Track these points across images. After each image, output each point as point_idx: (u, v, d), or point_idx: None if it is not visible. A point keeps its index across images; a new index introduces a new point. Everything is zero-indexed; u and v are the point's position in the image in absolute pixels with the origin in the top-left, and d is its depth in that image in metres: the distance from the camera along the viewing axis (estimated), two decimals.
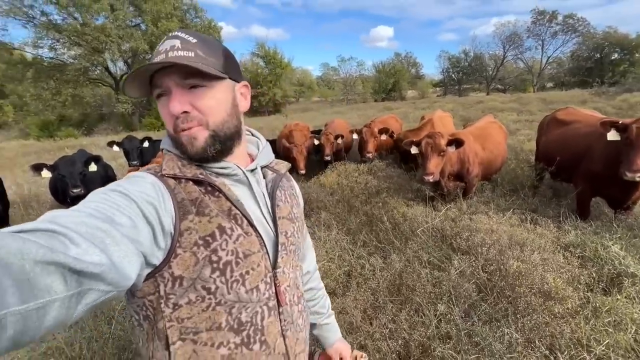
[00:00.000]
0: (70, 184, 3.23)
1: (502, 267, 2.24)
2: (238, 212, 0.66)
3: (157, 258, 0.57)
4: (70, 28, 16.88)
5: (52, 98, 17.91)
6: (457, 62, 40.38)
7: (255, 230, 0.68)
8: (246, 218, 0.67)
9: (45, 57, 18.68)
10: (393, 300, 2.21)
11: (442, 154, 3.35)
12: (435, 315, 2.01)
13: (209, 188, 0.66)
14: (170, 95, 0.63)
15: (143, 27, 19.73)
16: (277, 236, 0.73)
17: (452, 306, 2.05)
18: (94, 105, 20.84)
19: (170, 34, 0.67)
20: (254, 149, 0.83)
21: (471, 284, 2.19)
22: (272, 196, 0.76)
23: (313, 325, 1.03)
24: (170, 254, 0.59)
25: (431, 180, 3.32)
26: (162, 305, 0.60)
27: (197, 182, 0.66)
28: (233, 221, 0.65)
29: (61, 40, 17.63)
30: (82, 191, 3.19)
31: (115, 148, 4.92)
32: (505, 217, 2.94)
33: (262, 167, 0.80)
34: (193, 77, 0.63)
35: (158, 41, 18.88)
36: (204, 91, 0.65)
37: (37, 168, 3.29)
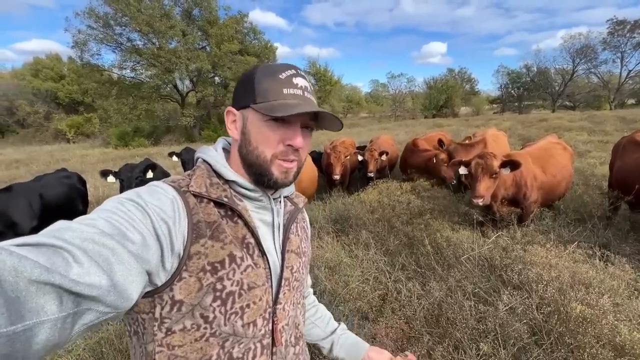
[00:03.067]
0: (126, 187, 3.65)
1: (561, 308, 1.96)
2: (252, 240, 0.65)
3: (160, 279, 0.55)
4: (149, 51, 19.25)
5: (129, 112, 20.43)
6: (518, 78, 37.59)
7: (265, 261, 0.66)
8: (259, 248, 0.66)
9: (127, 77, 21.53)
10: (430, 332, 2.06)
11: (494, 176, 3.10)
12: (477, 355, 1.82)
13: (229, 212, 0.65)
14: (295, 128, 0.66)
15: (208, 49, 21.76)
16: (282, 270, 0.71)
17: (498, 347, 1.84)
18: (163, 119, 23.31)
19: (297, 69, 0.69)
20: None
21: (522, 324, 1.95)
22: (286, 228, 0.75)
23: (331, 349, 0.94)
24: (175, 276, 0.57)
25: (481, 204, 3.07)
26: (155, 328, 0.58)
27: (219, 204, 0.65)
28: (245, 250, 0.64)
29: (141, 62, 20.17)
30: None
31: (174, 158, 5.39)
32: (567, 250, 2.60)
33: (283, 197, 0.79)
34: (312, 120, 0.70)
35: (220, 61, 20.85)
36: (309, 134, 0.72)
37: (105, 174, 3.77)
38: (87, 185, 4.71)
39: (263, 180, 0.68)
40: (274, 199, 0.74)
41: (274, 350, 0.68)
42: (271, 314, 0.68)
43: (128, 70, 21.11)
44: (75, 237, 0.43)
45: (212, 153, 0.71)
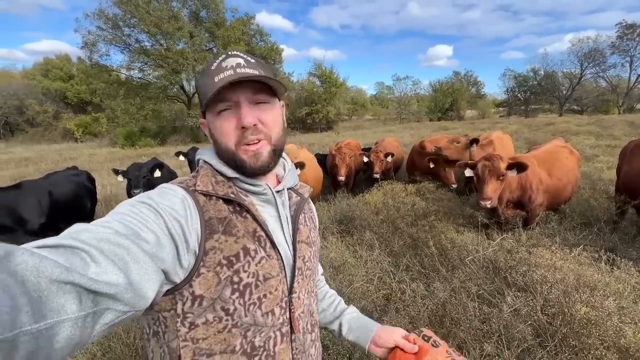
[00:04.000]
0: (133, 185, 3.71)
1: (566, 310, 1.96)
2: (263, 233, 0.67)
3: (178, 276, 0.56)
4: (157, 52, 19.47)
5: (136, 112, 20.64)
6: (525, 81, 37.30)
7: (277, 253, 0.68)
8: (270, 240, 0.67)
9: (135, 77, 21.79)
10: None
11: (501, 178, 3.09)
12: (481, 356, 1.83)
13: (238, 208, 0.67)
14: (240, 109, 0.65)
15: (215, 50, 21.95)
16: (294, 260, 0.72)
17: (501, 348, 1.85)
18: (169, 119, 23.53)
19: (229, 52, 0.69)
20: (280, 169, 0.82)
21: (527, 326, 1.96)
22: (294, 219, 0.76)
23: (340, 332, 0.92)
24: (193, 272, 0.58)
25: (488, 206, 3.06)
26: (178, 324, 0.59)
27: (227, 200, 0.67)
28: (257, 243, 0.65)
29: (149, 63, 20.41)
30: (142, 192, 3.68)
31: (181, 157, 5.45)
32: (573, 253, 2.59)
33: (287, 189, 0.80)
34: (261, 93, 0.68)
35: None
36: (267, 107, 0.70)
37: (116, 172, 3.84)
38: (95, 184, 4.78)
39: (243, 171, 0.69)
40: (277, 191, 0.75)
41: (293, 337, 0.70)
42: (287, 303, 0.69)
43: (136, 71, 21.38)
44: (91, 237, 0.44)
45: (211, 154, 0.73)
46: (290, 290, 0.70)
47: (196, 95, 22.55)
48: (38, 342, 0.34)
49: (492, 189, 3.07)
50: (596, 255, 2.61)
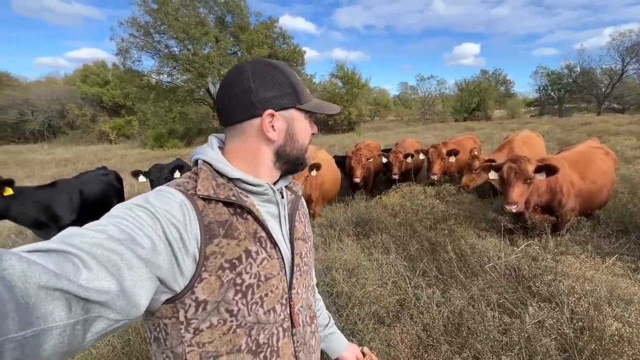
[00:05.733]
0: (155, 186, 3.82)
1: (596, 325, 1.82)
2: (264, 234, 0.67)
3: (178, 285, 0.56)
4: (184, 57, 20.24)
5: (165, 114, 21.57)
6: (558, 79, 35.18)
7: (278, 252, 0.69)
8: (271, 240, 0.68)
9: (164, 82, 22.77)
10: (449, 342, 1.98)
11: (528, 181, 2.91)
12: None
13: (238, 209, 0.66)
14: (312, 121, 0.78)
15: (239, 54, 22.50)
16: (292, 258, 0.74)
17: None
18: (195, 121, 24.37)
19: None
20: None
21: (551, 339, 1.83)
22: (291, 217, 0.78)
23: None
24: (195, 279, 0.57)
25: (514, 211, 2.89)
26: (182, 330, 0.59)
27: (227, 203, 0.65)
28: (258, 244, 0.66)
29: (177, 67, 21.28)
30: None
31: None
32: (606, 263, 2.39)
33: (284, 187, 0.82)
34: None
35: None
36: None
37: (136, 174, 3.93)
38: (124, 183, 5.02)
39: (298, 168, 0.77)
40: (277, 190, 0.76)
41: (294, 331, 0.73)
42: (287, 299, 0.71)
43: (165, 75, 22.33)
44: (84, 242, 0.43)
45: (211, 153, 0.69)
46: (290, 287, 0.72)
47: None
48: (24, 350, 0.33)
49: (518, 193, 2.90)
50: (633, 266, 2.40)
